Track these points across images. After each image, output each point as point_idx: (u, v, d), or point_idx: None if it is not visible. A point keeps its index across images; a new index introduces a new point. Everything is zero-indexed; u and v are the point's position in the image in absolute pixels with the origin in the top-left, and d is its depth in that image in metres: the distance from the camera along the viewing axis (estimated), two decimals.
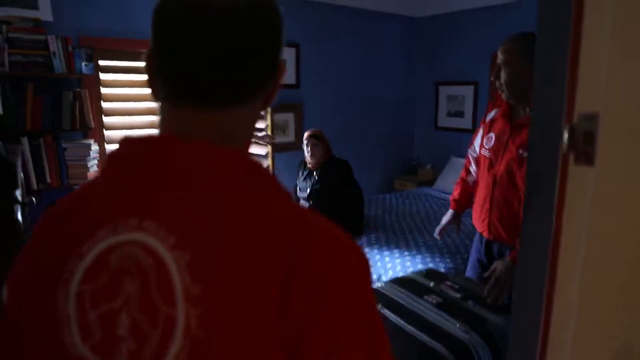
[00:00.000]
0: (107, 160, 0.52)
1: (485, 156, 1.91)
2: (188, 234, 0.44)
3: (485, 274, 1.69)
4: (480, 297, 1.59)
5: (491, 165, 1.86)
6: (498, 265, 1.67)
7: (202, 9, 0.48)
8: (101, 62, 3.12)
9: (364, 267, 0.50)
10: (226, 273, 0.43)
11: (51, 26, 2.88)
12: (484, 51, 4.39)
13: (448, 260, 2.76)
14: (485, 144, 1.91)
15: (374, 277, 2.82)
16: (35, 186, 2.86)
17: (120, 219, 0.46)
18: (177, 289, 0.43)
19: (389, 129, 5.16)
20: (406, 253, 2.90)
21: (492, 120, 1.93)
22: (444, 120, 5.06)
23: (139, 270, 0.44)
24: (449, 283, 1.68)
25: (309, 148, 3.22)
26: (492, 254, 1.93)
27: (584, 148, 0.69)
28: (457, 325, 1.43)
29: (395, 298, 1.59)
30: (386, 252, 2.94)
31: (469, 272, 2.03)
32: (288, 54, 4.24)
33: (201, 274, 0.43)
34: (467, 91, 4.76)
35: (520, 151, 1.77)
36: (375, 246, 3.03)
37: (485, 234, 1.93)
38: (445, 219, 2.13)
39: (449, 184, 4.42)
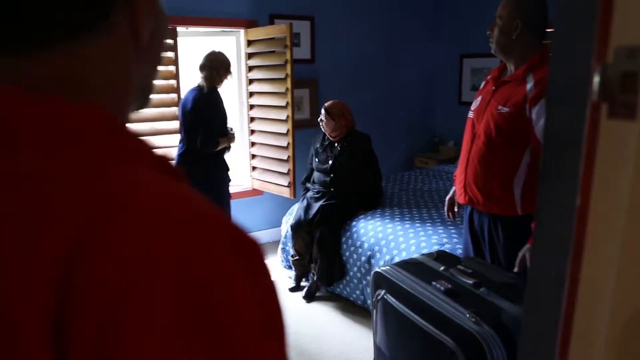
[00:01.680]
0: None
1: (470, 117, 1.93)
2: None
3: (516, 267, 1.63)
4: (496, 284, 1.42)
5: (473, 126, 1.88)
6: (524, 252, 1.62)
7: None
8: None
9: (229, 275, 0.31)
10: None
11: None
12: None
13: None
14: (472, 106, 1.93)
15: (387, 257, 2.68)
16: None
17: None
18: None
19: (410, 105, 4.93)
20: (421, 231, 2.73)
21: (485, 85, 1.96)
22: (468, 95, 4.79)
23: None
24: (461, 267, 1.51)
25: (321, 121, 3.15)
26: (474, 228, 1.92)
27: (622, 96, 0.51)
28: (467, 314, 1.27)
29: (399, 283, 1.44)
30: (400, 231, 2.78)
31: (464, 249, 2.06)
32: (302, 28, 4.06)
33: None
34: (494, 63, 4.44)
35: (499, 107, 1.79)
36: (390, 224, 2.87)
37: (461, 199, 1.93)
38: (448, 197, 2.10)
39: None
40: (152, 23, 0.44)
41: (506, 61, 1.89)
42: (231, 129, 3.15)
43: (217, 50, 3.01)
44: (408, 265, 1.55)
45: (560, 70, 0.59)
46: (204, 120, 2.89)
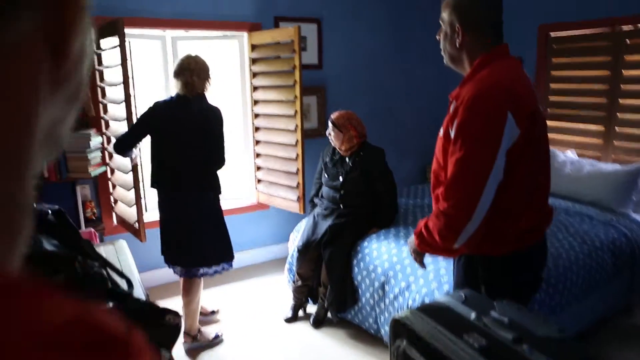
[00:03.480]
0: None
1: None
2: None
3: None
4: (540, 339, 1.19)
5: None
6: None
7: None
8: None
9: None
10: None
11: None
12: (530, 22, 3.84)
13: None
14: None
15: (402, 284, 2.44)
16: None
17: None
18: None
19: (423, 111, 4.68)
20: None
21: None
22: None
23: None
24: (495, 315, 1.28)
25: (329, 134, 2.92)
26: None
27: None
28: None
29: (424, 335, 1.22)
30: None
31: None
32: (309, 31, 3.85)
33: None
34: None
35: (440, 130, 1.54)
36: (406, 246, 2.63)
37: None
38: None
39: None
40: (83, 34, 0.26)
41: (462, 73, 1.57)
42: None
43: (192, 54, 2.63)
44: (433, 311, 1.32)
45: None
46: (222, 133, 2.56)
